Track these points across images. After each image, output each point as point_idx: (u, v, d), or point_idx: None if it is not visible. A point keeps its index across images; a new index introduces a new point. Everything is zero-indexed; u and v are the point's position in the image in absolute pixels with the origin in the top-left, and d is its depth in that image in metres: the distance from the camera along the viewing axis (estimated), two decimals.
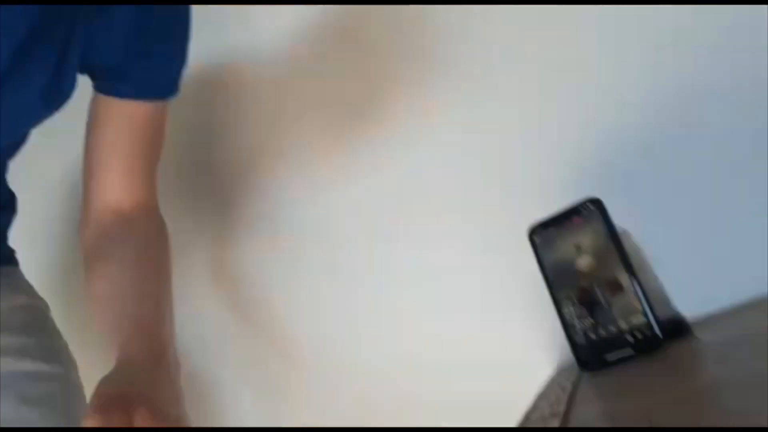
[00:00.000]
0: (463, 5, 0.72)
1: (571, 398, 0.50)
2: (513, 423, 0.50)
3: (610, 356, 0.56)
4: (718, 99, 0.64)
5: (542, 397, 0.57)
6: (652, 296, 0.58)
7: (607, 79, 0.69)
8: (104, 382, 0.41)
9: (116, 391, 0.40)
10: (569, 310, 0.59)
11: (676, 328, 0.59)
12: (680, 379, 0.46)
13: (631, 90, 0.68)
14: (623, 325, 0.56)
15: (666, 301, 0.62)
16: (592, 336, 0.57)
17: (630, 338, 0.55)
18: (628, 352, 0.55)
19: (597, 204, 0.59)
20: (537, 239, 0.63)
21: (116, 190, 0.59)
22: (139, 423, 0.36)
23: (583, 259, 0.59)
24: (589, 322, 0.58)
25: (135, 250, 0.58)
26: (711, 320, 0.61)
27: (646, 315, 0.55)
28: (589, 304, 0.58)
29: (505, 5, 0.70)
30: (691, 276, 0.63)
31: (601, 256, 0.58)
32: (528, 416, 0.51)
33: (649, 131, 0.66)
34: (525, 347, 0.70)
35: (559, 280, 0.61)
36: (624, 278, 0.57)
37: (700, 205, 0.65)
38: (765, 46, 0.60)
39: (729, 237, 0.63)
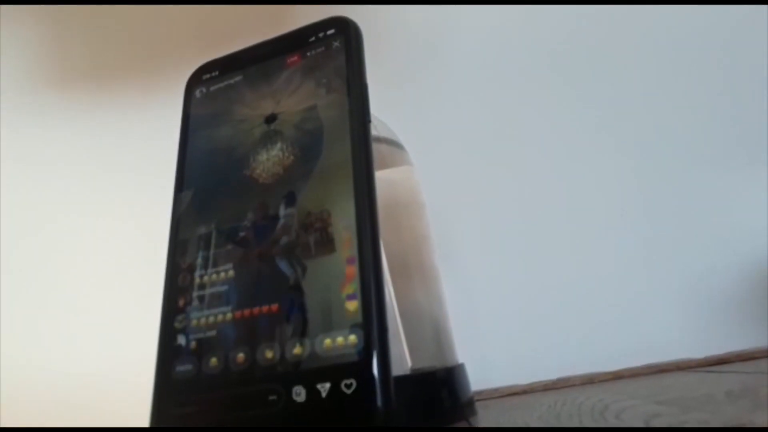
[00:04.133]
0: None
1: None
2: None
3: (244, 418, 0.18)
4: None
5: None
6: (412, 317, 0.24)
7: None
8: None
9: None
10: (187, 279, 0.21)
11: (445, 402, 0.24)
12: None
13: None
14: (293, 351, 0.19)
15: (442, 345, 0.27)
16: (213, 364, 0.20)
17: (303, 389, 0.18)
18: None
19: (346, 33, 0.23)
20: (198, 93, 0.25)
21: None
22: None
23: (270, 153, 0.22)
24: (221, 319, 0.20)
25: None
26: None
27: (367, 334, 0.18)
28: (247, 275, 0.21)
29: None
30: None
31: (302, 150, 0.22)
32: None
33: None
34: None
35: (206, 200, 0.23)
36: (345, 221, 0.20)
37: None
38: None
39: None
